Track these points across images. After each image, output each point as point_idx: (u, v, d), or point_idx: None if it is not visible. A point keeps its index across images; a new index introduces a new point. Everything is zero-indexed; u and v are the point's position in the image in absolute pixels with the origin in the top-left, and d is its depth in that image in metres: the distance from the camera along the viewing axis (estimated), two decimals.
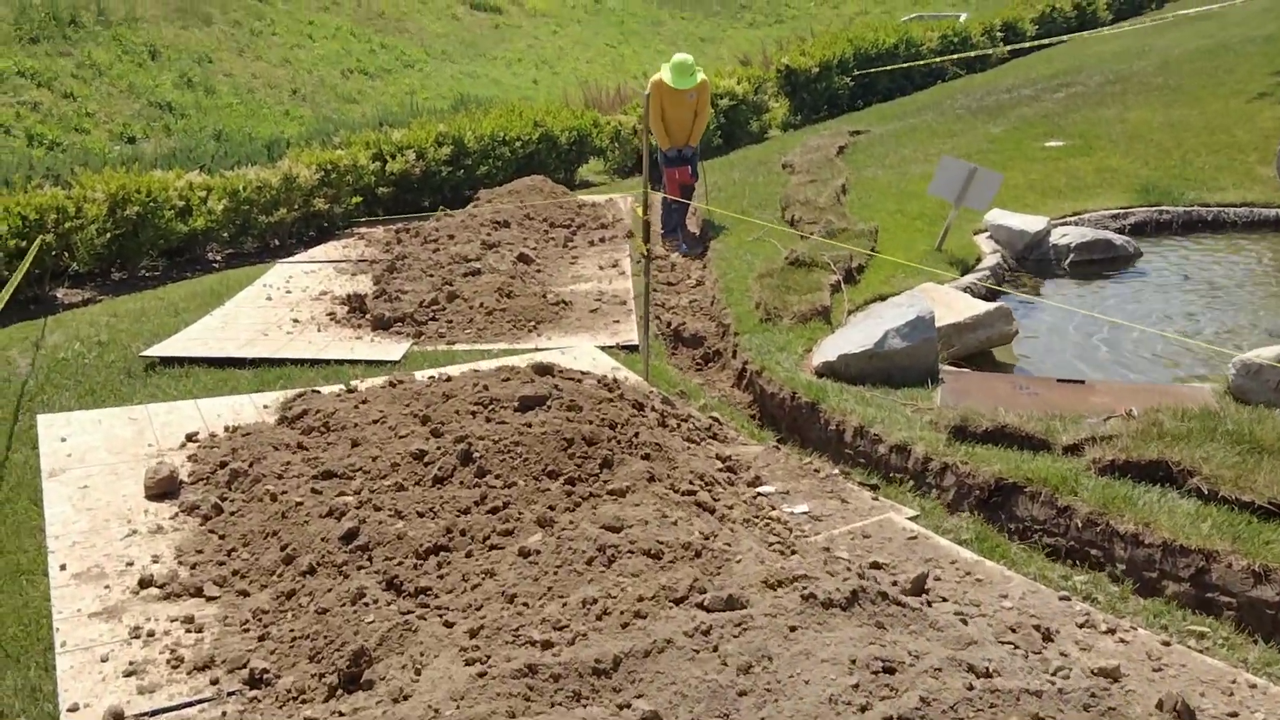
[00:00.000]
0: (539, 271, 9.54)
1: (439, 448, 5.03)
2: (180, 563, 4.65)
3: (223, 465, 5.53)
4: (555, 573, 3.85)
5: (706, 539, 4.05)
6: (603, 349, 7.61)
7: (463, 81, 24.84)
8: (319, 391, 6.38)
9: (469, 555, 4.08)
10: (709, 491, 4.83)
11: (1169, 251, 10.76)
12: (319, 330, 8.12)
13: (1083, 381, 7.14)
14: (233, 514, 4.97)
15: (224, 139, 17.35)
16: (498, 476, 4.80)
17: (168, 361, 7.40)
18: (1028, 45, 20.92)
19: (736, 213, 11.50)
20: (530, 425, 5.07)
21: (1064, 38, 21.67)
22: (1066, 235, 10.69)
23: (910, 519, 4.88)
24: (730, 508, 4.68)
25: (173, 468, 5.42)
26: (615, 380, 6.16)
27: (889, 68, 18.35)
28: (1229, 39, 18.29)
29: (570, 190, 12.43)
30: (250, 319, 8.41)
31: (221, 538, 4.80)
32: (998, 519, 5.46)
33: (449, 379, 6.33)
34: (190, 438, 6.06)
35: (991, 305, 8.13)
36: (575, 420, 5.16)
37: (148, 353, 7.50)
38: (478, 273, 8.98)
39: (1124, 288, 9.79)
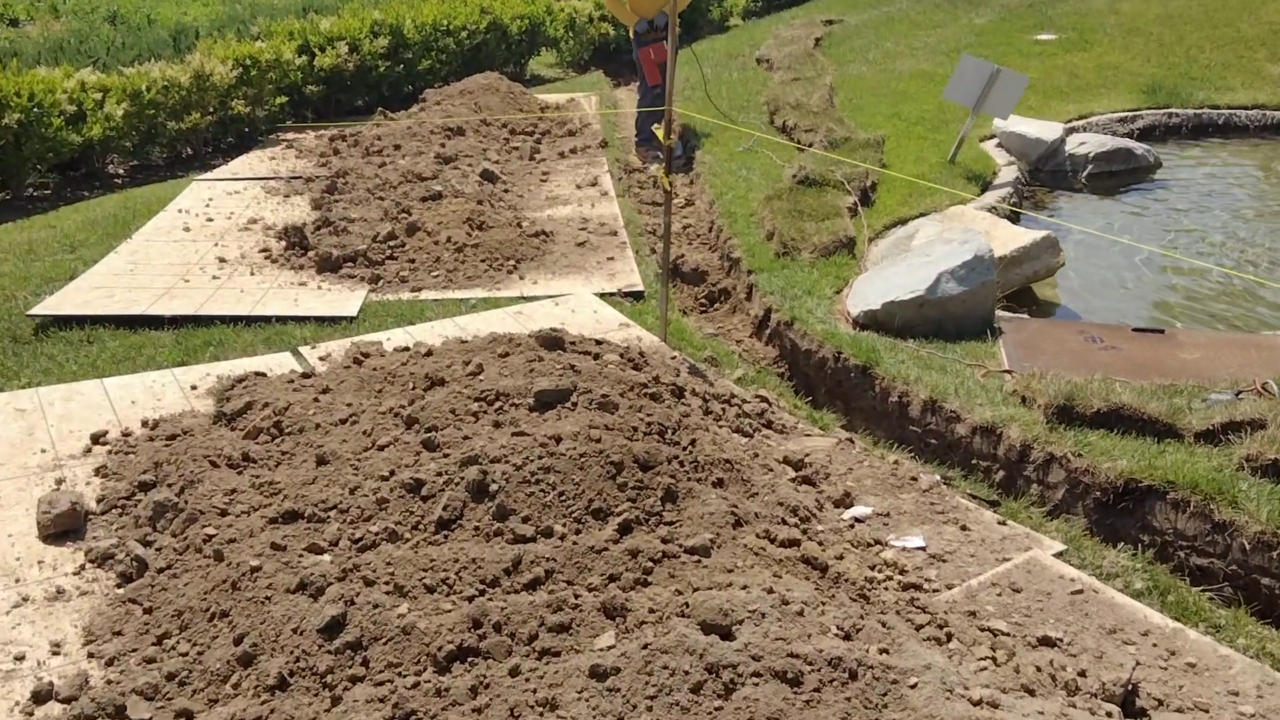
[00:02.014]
0: (506, 192, 8.05)
1: (440, 473, 3.69)
2: (92, 655, 3.29)
3: (144, 488, 4.12)
4: (649, 709, 2.61)
5: (848, 636, 2.84)
6: (602, 296, 6.25)
7: None
8: (264, 375, 4.94)
9: (514, 672, 2.80)
10: (808, 532, 3.59)
11: (1186, 159, 9.68)
12: (251, 273, 6.59)
13: (1162, 331, 6.03)
14: (163, 571, 3.59)
15: (120, 21, 15.14)
16: (526, 520, 3.50)
17: (64, 321, 5.86)
18: None
19: (715, 116, 10.06)
20: (558, 440, 3.75)
21: None
22: (1085, 144, 9.51)
23: (1058, 555, 3.72)
24: (840, 557, 3.46)
25: (75, 496, 3.99)
26: (642, 354, 4.84)
27: None
28: None
29: (525, 89, 10.81)
30: (166, 258, 6.83)
31: (148, 612, 3.43)
32: (1125, 528, 4.35)
33: (429, 352, 4.94)
34: (98, 439, 4.61)
35: (1038, 234, 6.93)
36: (616, 429, 3.85)
37: (37, 310, 5.93)
38: (438, 196, 7.46)
39: (1153, 204, 8.68)
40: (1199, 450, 4.46)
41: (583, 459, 3.65)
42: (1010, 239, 6.99)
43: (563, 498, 3.56)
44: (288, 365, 5.33)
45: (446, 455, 3.85)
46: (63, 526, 3.91)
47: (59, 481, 4.29)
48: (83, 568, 3.73)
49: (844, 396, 5.74)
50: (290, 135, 10.15)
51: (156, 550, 3.72)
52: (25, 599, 3.57)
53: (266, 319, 5.88)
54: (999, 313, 6.24)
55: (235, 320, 5.87)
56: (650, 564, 3.22)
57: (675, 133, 9.81)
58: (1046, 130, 9.49)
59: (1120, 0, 13.32)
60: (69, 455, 4.51)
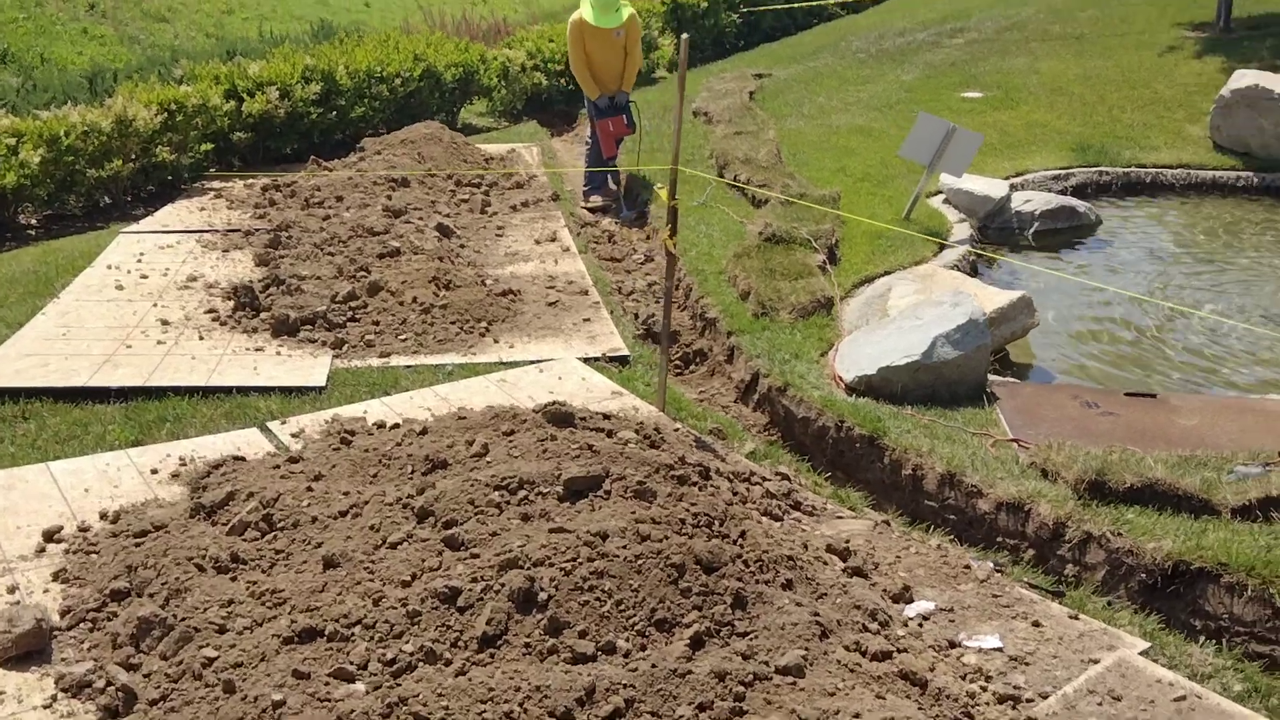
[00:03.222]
0: (462, 247, 7.61)
1: (475, 579, 3.25)
2: None
3: (117, 597, 3.56)
4: None
5: None
6: (586, 361, 5.87)
7: (285, 1, 21.99)
8: (243, 459, 4.40)
9: None
10: (891, 638, 3.26)
11: (1119, 217, 9.82)
12: (200, 337, 6.00)
13: (1154, 395, 5.93)
14: (157, 704, 3.05)
15: (10, 59, 14.20)
16: (584, 634, 3.08)
17: None
18: None
19: (662, 169, 9.81)
20: (604, 537, 3.35)
21: None
22: (1030, 201, 9.54)
23: (1143, 653, 3.46)
24: (932, 669, 3.13)
25: (39, 610, 3.42)
26: (658, 430, 4.47)
27: (776, 6, 16.83)
28: None
29: (466, 139, 10.39)
30: (101, 320, 6.19)
31: None
32: (1175, 612, 4.14)
33: (424, 430, 4.48)
34: (51, 535, 4.02)
35: (1014, 294, 6.80)
36: (664, 523, 3.47)
37: None
38: (396, 252, 6.98)
39: (1098, 258, 8.73)
40: (1240, 528, 4.29)
41: (639, 561, 3.26)
42: (987, 300, 6.85)
43: (621, 607, 3.16)
44: (256, 443, 4.79)
45: (476, 556, 3.41)
46: (26, 648, 3.33)
47: (10, 589, 3.70)
48: (54, 699, 3.16)
49: (846, 467, 5.46)
50: (217, 184, 9.51)
51: (144, 676, 3.17)
52: None
53: (225, 390, 5.33)
54: (992, 377, 6.06)
55: (190, 391, 5.29)
56: (741, 688, 2.84)
57: (622, 184, 9.56)
58: (993, 188, 9.49)
59: (1039, 60, 13.60)
60: (18, 556, 3.90)
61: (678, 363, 6.84)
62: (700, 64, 15.64)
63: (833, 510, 4.43)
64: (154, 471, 4.51)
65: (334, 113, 10.42)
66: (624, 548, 3.30)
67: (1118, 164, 10.84)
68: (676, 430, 4.92)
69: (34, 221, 8.74)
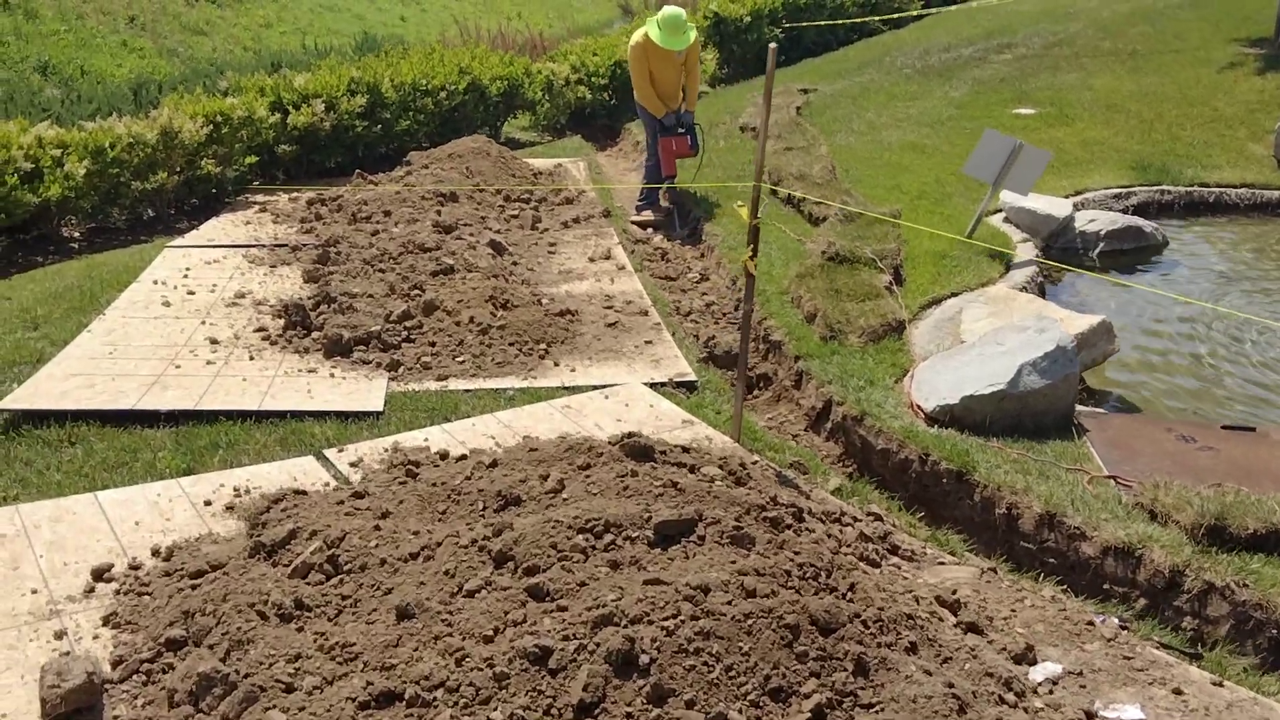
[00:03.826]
0: (515, 265, 7.32)
1: (567, 636, 2.93)
2: None
3: (173, 647, 3.26)
4: None
5: None
6: (652, 387, 5.55)
7: (323, 16, 21.99)
8: (304, 493, 4.10)
9: None
10: (1029, 710, 2.91)
11: (1188, 238, 9.41)
12: (250, 357, 5.73)
13: (1253, 429, 5.55)
14: None
15: (51, 72, 14.07)
16: (691, 704, 2.75)
17: (37, 417, 4.93)
18: (923, 10, 19.40)
19: (714, 185, 9.52)
20: (706, 591, 3.02)
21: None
22: (1094, 220, 9.16)
23: None
24: None
25: (90, 662, 3.12)
26: (743, 465, 4.14)
27: (818, 23, 16.52)
28: (1145, 5, 17.22)
29: (514, 154, 10.12)
30: (148, 338, 5.92)
31: None
32: None
33: (494, 463, 4.17)
34: (100, 574, 3.73)
35: (1095, 319, 6.43)
36: (769, 575, 3.14)
37: (6, 404, 4.98)
38: (450, 270, 6.69)
39: (1171, 280, 8.35)
40: None
41: (748, 620, 2.92)
42: (1067, 324, 6.49)
43: (731, 673, 2.83)
44: (313, 473, 4.50)
45: (565, 609, 3.09)
46: (76, 704, 3.03)
47: (58, 634, 3.41)
48: None
49: (931, 503, 5.11)
50: (261, 197, 9.28)
51: None
52: None
53: (279, 414, 5.04)
54: (1080, 408, 5.70)
55: (243, 415, 5.01)
56: None
57: (666, 199, 9.26)
58: (1056, 206, 9.12)
59: (1092, 76, 13.21)
60: (66, 596, 3.61)
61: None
62: (742, 79, 15.36)
63: (933, 555, 4.09)
64: (207, 503, 4.22)
65: (379, 126, 10.18)
66: (729, 603, 2.97)
67: (1179, 183, 10.44)
68: (756, 463, 4.59)
69: (77, 234, 8.52)
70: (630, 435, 4.23)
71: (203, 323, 6.18)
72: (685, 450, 4.26)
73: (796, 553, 3.31)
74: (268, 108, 9.50)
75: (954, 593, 3.68)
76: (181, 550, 3.85)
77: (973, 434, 5.36)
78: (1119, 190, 10.32)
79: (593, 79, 12.60)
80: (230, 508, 4.19)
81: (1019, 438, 5.37)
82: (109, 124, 8.37)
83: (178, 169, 8.72)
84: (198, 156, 8.83)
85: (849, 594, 3.22)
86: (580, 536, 3.42)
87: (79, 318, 6.26)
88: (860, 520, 4.20)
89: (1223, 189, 10.37)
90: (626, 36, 14.12)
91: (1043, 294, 7.87)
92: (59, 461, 4.57)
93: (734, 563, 3.20)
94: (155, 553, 3.86)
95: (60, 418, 4.89)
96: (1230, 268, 8.63)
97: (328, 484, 4.38)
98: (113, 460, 4.58)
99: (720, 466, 4.09)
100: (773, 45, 4.54)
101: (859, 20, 17.07)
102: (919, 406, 5.61)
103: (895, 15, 18.10)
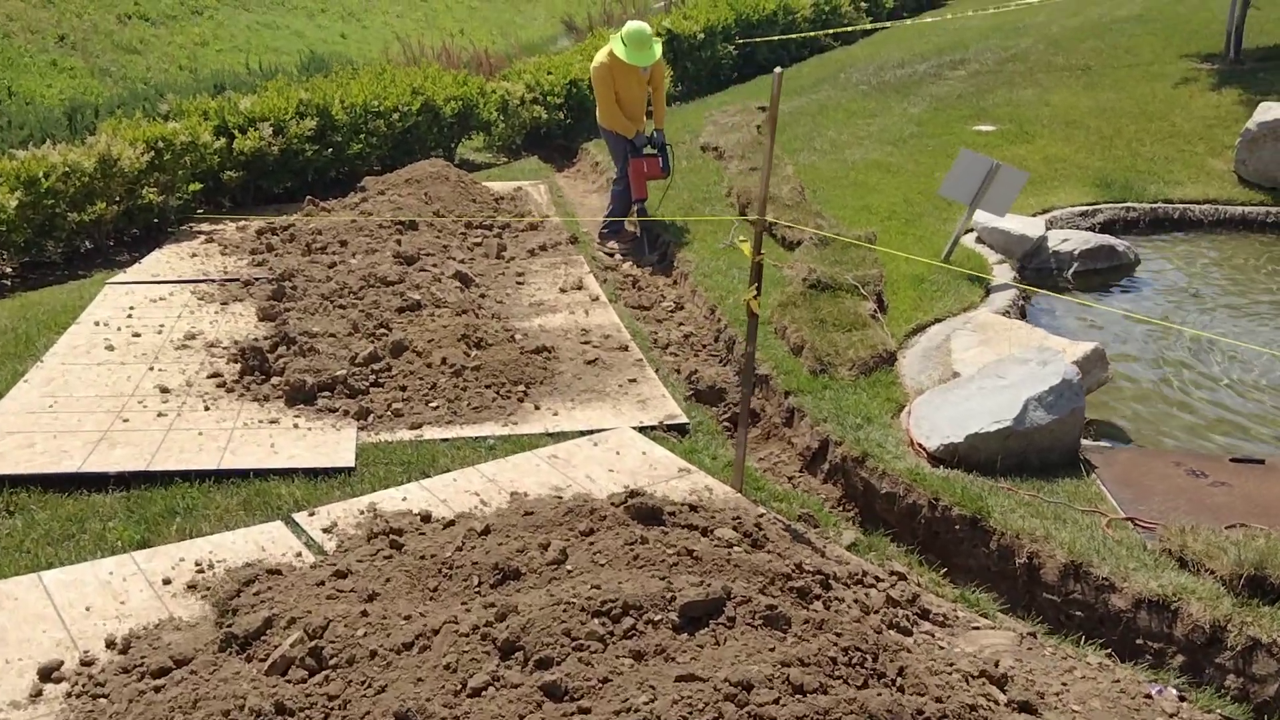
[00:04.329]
0: (483, 297, 6.93)
1: None
2: None
3: None
4: None
5: None
6: (641, 431, 5.20)
7: (261, 33, 21.40)
8: (279, 572, 3.67)
9: None
10: None
11: (1154, 256, 9.32)
12: (206, 407, 5.27)
13: (1262, 461, 5.36)
14: None
15: None
16: None
17: None
18: (871, 26, 19.38)
19: (679, 208, 9.23)
20: (748, 687, 2.68)
21: (926, 15, 20.32)
22: (1068, 240, 9.03)
23: None
24: None
25: None
26: (758, 526, 3.82)
27: (770, 38, 16.35)
28: (1093, 20, 17.32)
29: (473, 177, 9.72)
30: (92, 388, 5.44)
31: None
32: None
33: (486, 530, 3.79)
34: (48, 674, 3.28)
35: (1087, 346, 6.22)
36: (813, 664, 2.81)
37: None
38: (417, 306, 6.29)
39: (1145, 300, 8.22)
40: None
41: None
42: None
43: None
44: (282, 541, 4.08)
45: (588, 712, 2.73)
46: None
47: None
48: None
49: (941, 550, 4.82)
50: (206, 226, 8.78)
51: None
52: None
53: (241, 473, 4.60)
54: (1085, 442, 5.47)
55: (201, 476, 4.57)
56: None
57: (633, 224, 8.94)
58: (1029, 226, 8.97)
59: (1048, 92, 13.16)
60: (9, 703, 3.16)
61: (726, 423, 6.19)
62: (698, 96, 15.11)
63: (965, 619, 3.79)
64: (166, 582, 3.79)
65: (330, 149, 9.73)
66: (778, 703, 2.64)
67: (1143, 199, 10.38)
68: (764, 516, 4.27)
69: (9, 270, 7.96)
70: (633, 494, 3.89)
71: (151, 368, 5.71)
72: (694, 509, 3.92)
73: (839, 634, 2.98)
74: (212, 132, 9.00)
75: (997, 664, 3.38)
76: (140, 640, 3.42)
77: (979, 474, 5.10)
78: (1085, 208, 10.23)
79: (548, 98, 12.25)
80: (192, 586, 3.76)
81: (1026, 476, 5.13)
82: (42, 152, 7.83)
83: (117, 198, 8.19)
84: (138, 185, 8.31)
85: (898, 679, 2.91)
86: (596, 621, 3.06)
87: (14, 365, 5.76)
88: (883, 580, 3.90)
89: (1186, 205, 10.33)
90: (580, 55, 13.79)
91: (1024, 316, 7.69)
92: None
93: (773, 650, 2.87)
94: (110, 644, 3.42)
95: None
96: (1205, 289, 8.51)
97: (299, 554, 3.96)
98: (57, 532, 4.12)
99: (734, 528, 3.77)
100: (778, 70, 4.24)
101: (810, 35, 16.93)
102: (921, 445, 5.34)
103: (845, 29, 18.00)
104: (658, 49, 8.22)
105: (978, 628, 3.74)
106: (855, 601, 3.55)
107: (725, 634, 3.01)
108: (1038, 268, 8.87)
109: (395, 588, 3.46)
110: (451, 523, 3.97)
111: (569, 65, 12.93)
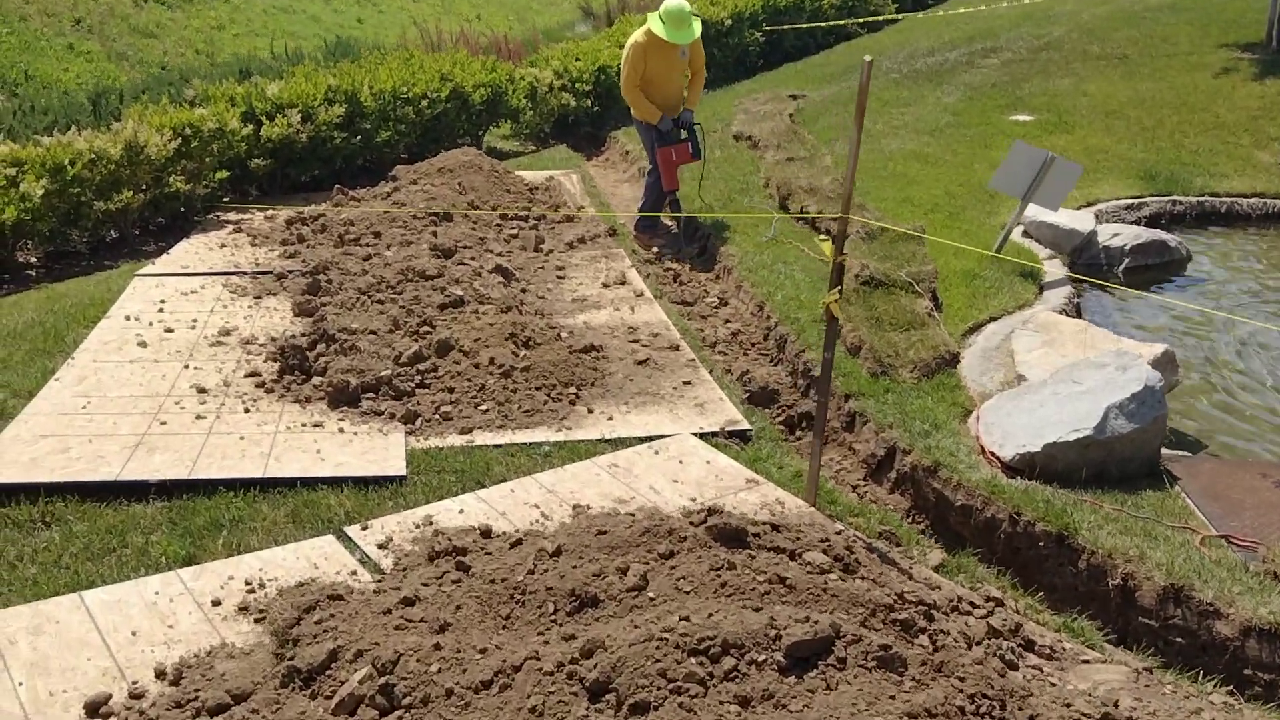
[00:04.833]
0: (525, 292, 6.65)
1: None
2: None
3: None
4: None
5: None
6: (702, 438, 4.92)
7: (277, 17, 21.10)
8: (341, 598, 3.40)
9: None
10: None
11: (1205, 251, 9.01)
12: (246, 409, 5.01)
13: None
14: None
15: None
16: None
17: (4, 493, 4.18)
18: (898, 14, 18.98)
19: (716, 199, 8.93)
20: None
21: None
22: (1118, 235, 8.70)
23: None
24: None
25: None
26: (849, 549, 3.54)
27: (800, 25, 16.00)
28: (1124, 8, 16.95)
29: (506, 167, 9.42)
30: (126, 387, 5.18)
31: None
32: None
33: (558, 551, 3.52)
34: (96, 709, 3.02)
35: (1158, 349, 5.93)
36: (940, 715, 2.54)
37: None
38: (460, 302, 6.02)
39: (1203, 297, 7.91)
40: None
41: None
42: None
43: None
44: (335, 558, 3.82)
45: None
46: None
47: None
48: None
49: (1022, 567, 4.54)
50: (234, 215, 8.51)
51: None
52: None
53: (289, 482, 4.34)
54: (1166, 451, 5.18)
55: (246, 485, 4.30)
56: None
57: (669, 217, 8.64)
58: (1079, 220, 8.65)
59: (1085, 81, 12.82)
60: None
61: (781, 426, 5.91)
62: (725, 84, 14.76)
63: (1073, 651, 3.51)
64: (216, 603, 3.53)
65: (358, 137, 9.43)
66: None
67: (1189, 193, 10.04)
68: (840, 533, 3.99)
69: (34, 260, 7.69)
70: (712, 511, 3.62)
71: (186, 366, 5.45)
72: (776, 529, 3.65)
73: (961, 678, 2.71)
74: (240, 119, 8.72)
75: (1116, 704, 3.11)
76: (192, 670, 3.16)
77: (1058, 485, 4.82)
78: (1130, 201, 9.90)
79: (576, 85, 11.93)
80: (244, 608, 3.50)
81: (1106, 488, 4.85)
82: (68, 138, 7.55)
83: (144, 186, 7.92)
84: (165, 173, 8.04)
85: None
86: (693, 660, 2.79)
87: (44, 362, 5.50)
88: (979, 607, 3.62)
89: (1234, 199, 10.00)
90: (608, 41, 13.45)
91: (1079, 314, 7.38)
92: (33, 550, 3.83)
93: (893, 697, 2.60)
94: (160, 674, 3.16)
95: (32, 492, 4.15)
96: (1259, 285, 8.21)
97: (354, 572, 3.70)
98: (97, 546, 3.86)
99: (824, 551, 3.49)
100: (868, 58, 3.93)
101: (838, 23, 16.57)
102: (994, 454, 5.06)
103: (872, 19, 17.63)
104: (698, 27, 7.89)
105: (1086, 661, 3.47)
106: (961, 634, 3.28)
107: (837, 677, 2.74)
108: (1088, 263, 8.56)
109: (467, 616, 3.20)
110: (519, 541, 3.70)
111: (597, 52, 12.61)
